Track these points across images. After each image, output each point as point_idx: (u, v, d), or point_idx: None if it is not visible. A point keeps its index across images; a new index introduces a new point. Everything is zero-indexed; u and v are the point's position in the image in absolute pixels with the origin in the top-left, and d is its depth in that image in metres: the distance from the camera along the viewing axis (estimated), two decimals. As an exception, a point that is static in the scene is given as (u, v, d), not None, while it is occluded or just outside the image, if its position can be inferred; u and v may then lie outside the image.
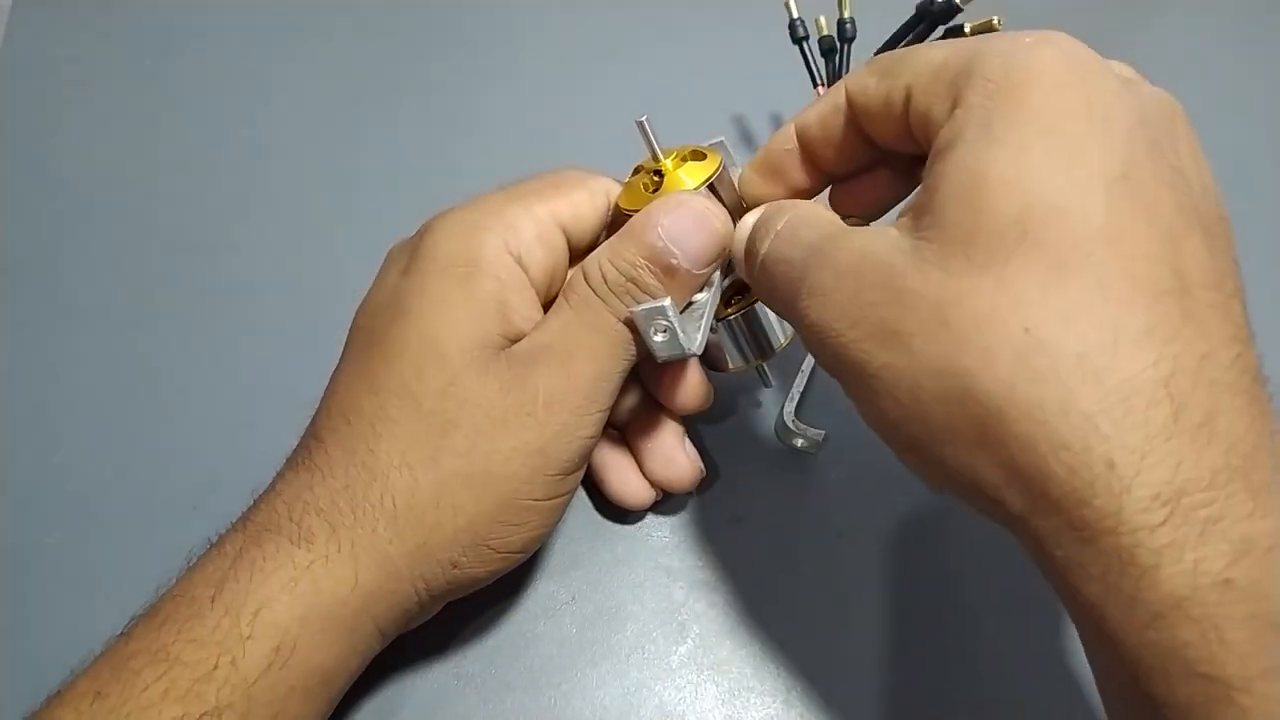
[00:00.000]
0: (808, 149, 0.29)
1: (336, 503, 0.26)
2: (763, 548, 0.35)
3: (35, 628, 0.33)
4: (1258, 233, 0.44)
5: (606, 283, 0.28)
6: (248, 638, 0.25)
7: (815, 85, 0.36)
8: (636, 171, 0.30)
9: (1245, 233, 0.45)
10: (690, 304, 0.29)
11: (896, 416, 0.22)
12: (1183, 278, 0.20)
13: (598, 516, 0.35)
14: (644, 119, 0.29)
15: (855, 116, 0.27)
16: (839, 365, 0.23)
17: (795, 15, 0.37)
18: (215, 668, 0.24)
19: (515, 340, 0.29)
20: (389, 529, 0.26)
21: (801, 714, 0.32)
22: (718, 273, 0.30)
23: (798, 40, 0.37)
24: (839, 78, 0.36)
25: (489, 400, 0.27)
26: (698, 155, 0.30)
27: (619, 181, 0.31)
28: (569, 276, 0.30)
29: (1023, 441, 0.19)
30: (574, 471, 0.29)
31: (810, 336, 0.24)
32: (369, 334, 0.29)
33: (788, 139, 0.29)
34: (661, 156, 0.29)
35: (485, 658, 0.33)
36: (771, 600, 0.34)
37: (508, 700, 0.32)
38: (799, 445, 0.36)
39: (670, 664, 0.33)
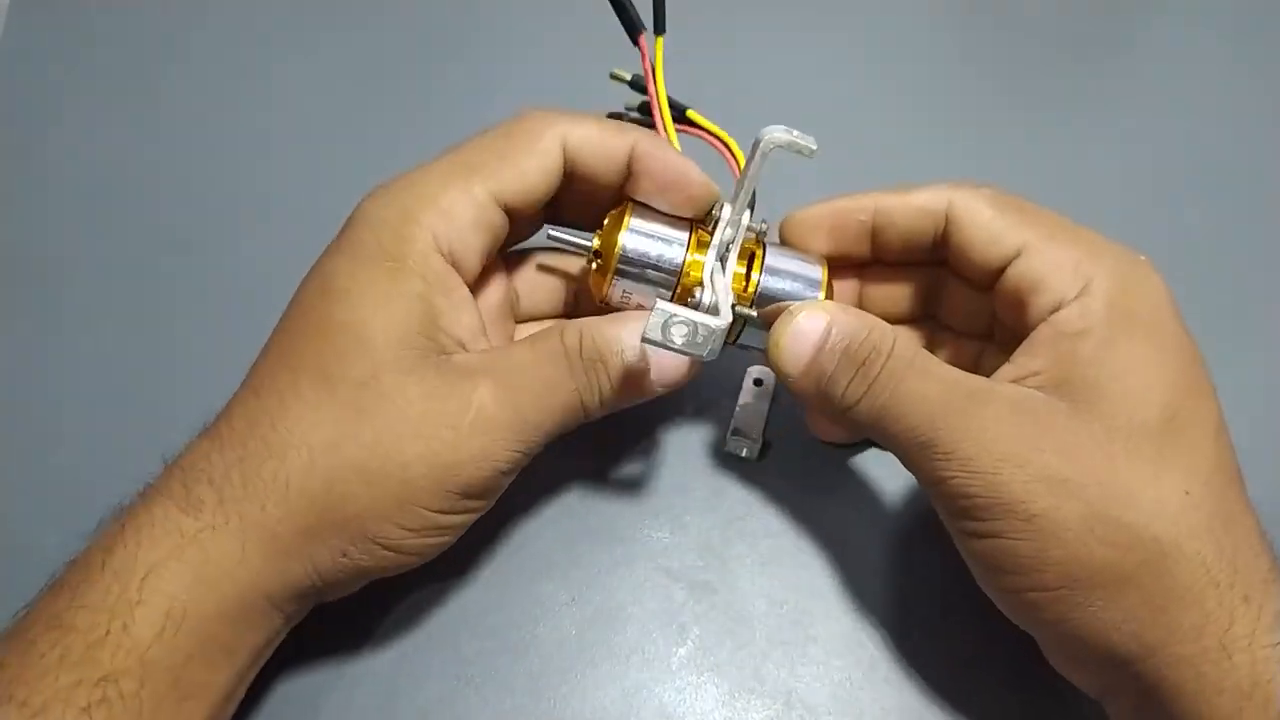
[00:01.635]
0: (879, 231, 0.32)
1: (229, 474, 0.26)
2: (762, 549, 0.35)
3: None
4: (1257, 230, 0.44)
5: (581, 351, 0.28)
6: (137, 603, 0.25)
7: (635, 33, 0.34)
8: (591, 261, 0.31)
9: (1245, 230, 0.45)
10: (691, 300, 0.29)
11: (1058, 555, 0.26)
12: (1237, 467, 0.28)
13: (598, 518, 0.35)
14: (550, 231, 0.32)
15: (951, 233, 0.30)
16: (994, 500, 0.26)
17: None
18: (107, 633, 0.24)
19: (440, 344, 0.28)
20: (279, 507, 0.26)
21: (802, 716, 0.32)
22: (717, 262, 0.30)
23: None
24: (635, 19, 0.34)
25: (407, 401, 0.27)
26: (615, 213, 0.31)
27: (582, 118, 0.30)
28: (546, 328, 0.29)
29: (1182, 579, 0.25)
30: (478, 497, 0.28)
31: (952, 467, 0.27)
32: (293, 308, 0.29)
33: (864, 209, 0.31)
34: (590, 244, 0.31)
35: (485, 659, 0.32)
36: (771, 601, 0.34)
37: (507, 702, 0.32)
38: (742, 454, 0.36)
39: (670, 665, 0.33)
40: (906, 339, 0.28)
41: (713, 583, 0.34)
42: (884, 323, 0.28)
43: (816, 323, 0.28)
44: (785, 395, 0.37)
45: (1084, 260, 0.28)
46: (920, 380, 0.27)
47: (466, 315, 0.29)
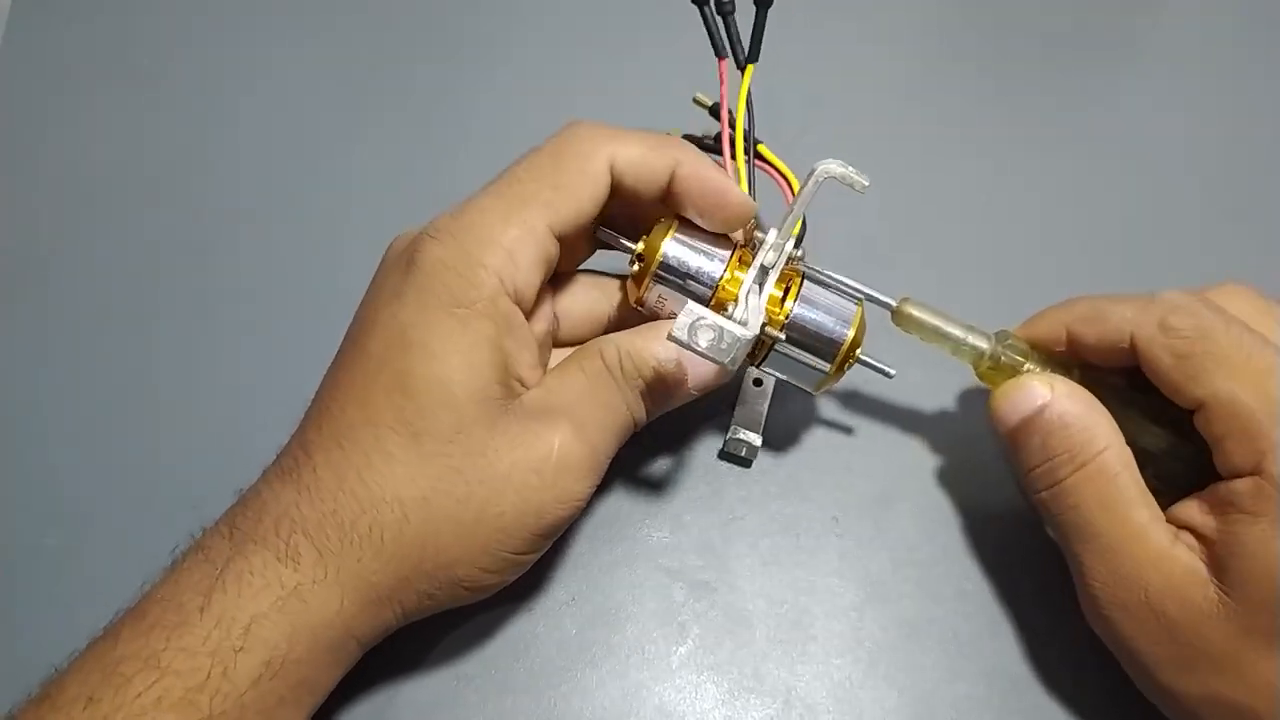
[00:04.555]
0: (1076, 349, 0.32)
1: (324, 528, 0.27)
2: (762, 549, 0.35)
3: (34, 628, 0.33)
4: (1259, 231, 0.44)
5: (622, 370, 0.29)
6: (239, 650, 0.25)
7: (718, 55, 0.34)
8: (632, 264, 0.32)
9: (1246, 231, 0.45)
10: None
11: (1172, 709, 0.29)
12: None
13: (597, 518, 0.35)
14: (599, 230, 0.32)
15: (1141, 362, 0.29)
16: (1117, 646, 0.29)
17: None
18: (208, 678, 0.25)
19: (510, 388, 0.29)
20: (375, 560, 0.27)
21: (801, 715, 0.32)
22: (754, 284, 0.30)
23: (699, 2, 0.34)
24: (739, 45, 0.34)
25: (495, 454, 0.27)
26: (664, 222, 0.31)
27: (628, 137, 0.30)
28: (585, 345, 0.30)
29: None
30: (556, 535, 0.30)
31: (1088, 605, 0.30)
32: (365, 356, 0.28)
33: (1058, 339, 0.32)
34: (634, 247, 0.31)
35: (485, 658, 0.32)
36: (771, 601, 0.34)
37: (507, 701, 0.32)
38: (742, 453, 0.36)
39: (670, 665, 0.33)
40: (1118, 454, 0.29)
41: (712, 582, 0.34)
42: (1106, 427, 0.29)
43: (1037, 394, 0.30)
44: (784, 396, 0.37)
45: (1263, 430, 0.27)
46: (1100, 510, 0.28)
47: (528, 352, 0.30)
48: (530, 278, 0.29)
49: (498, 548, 0.28)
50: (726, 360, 0.26)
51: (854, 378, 0.38)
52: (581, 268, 0.34)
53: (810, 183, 0.29)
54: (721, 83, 0.34)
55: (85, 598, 0.33)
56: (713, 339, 0.26)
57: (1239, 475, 0.27)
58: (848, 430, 0.37)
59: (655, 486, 0.36)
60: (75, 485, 0.36)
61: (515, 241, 0.28)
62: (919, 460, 0.37)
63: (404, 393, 0.27)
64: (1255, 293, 0.31)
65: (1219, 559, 0.27)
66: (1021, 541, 0.35)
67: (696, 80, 0.39)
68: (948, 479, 0.36)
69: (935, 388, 0.38)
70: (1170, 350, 0.28)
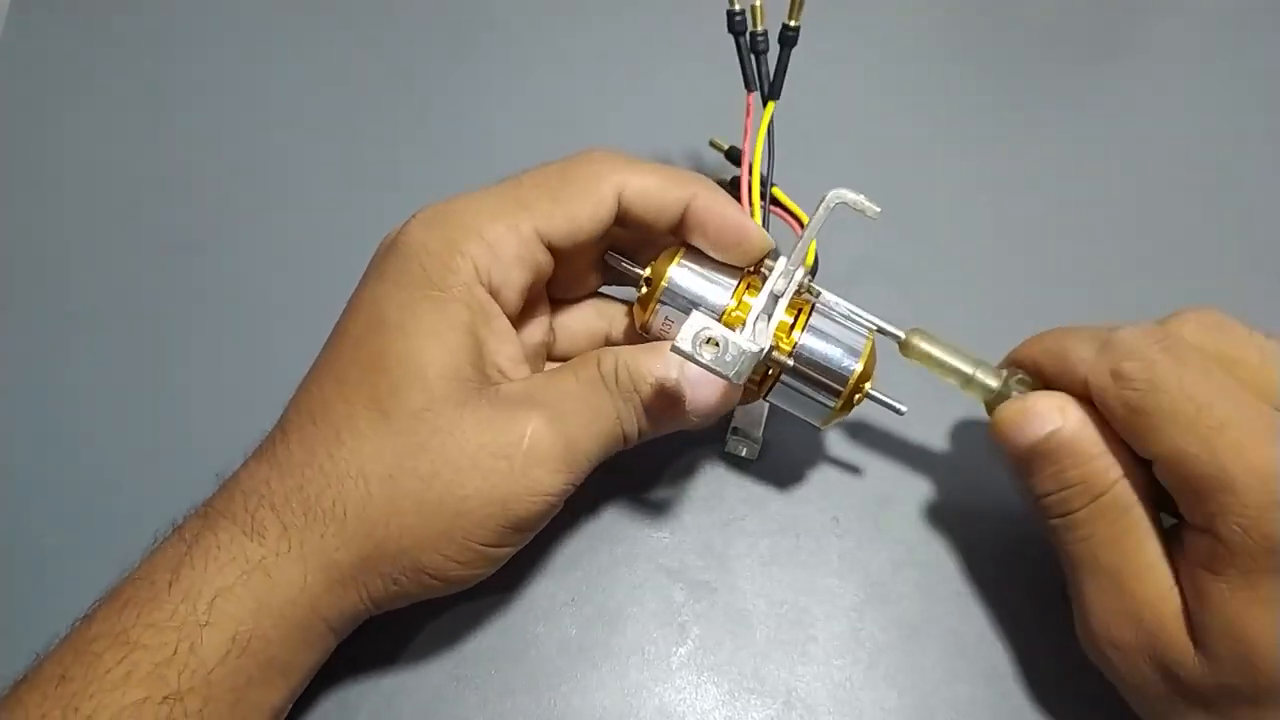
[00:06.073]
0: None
1: (290, 502, 0.27)
2: (762, 549, 0.35)
3: (34, 629, 0.33)
4: (1258, 231, 0.44)
5: (617, 381, 0.28)
6: (205, 625, 0.25)
7: (748, 89, 0.35)
8: (640, 288, 0.31)
9: (1245, 231, 0.45)
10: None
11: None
12: None
13: (598, 518, 0.35)
14: (607, 254, 0.31)
15: (1098, 408, 0.28)
16: (1113, 678, 0.29)
17: (736, 8, 0.34)
18: (175, 653, 0.25)
19: (487, 375, 0.29)
20: (337, 536, 0.27)
21: (802, 715, 0.32)
22: (779, 277, 0.30)
23: (736, 32, 0.35)
24: (768, 81, 0.35)
25: (463, 435, 0.27)
26: (672, 249, 0.31)
27: (644, 168, 0.30)
28: (584, 355, 0.30)
29: None
30: (527, 530, 0.29)
31: (1086, 636, 0.29)
32: (343, 335, 0.29)
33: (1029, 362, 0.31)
34: (642, 271, 0.31)
35: (485, 659, 0.32)
36: (771, 601, 0.34)
37: (507, 701, 0.32)
38: (742, 453, 0.36)
39: (670, 665, 0.33)
40: (1132, 485, 0.28)
41: (713, 583, 0.34)
42: (1120, 455, 0.28)
43: (1048, 420, 0.29)
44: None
45: (1210, 491, 0.25)
46: (1109, 544, 0.28)
47: (509, 345, 0.30)
48: (510, 275, 0.29)
49: (462, 535, 0.27)
50: (731, 374, 0.26)
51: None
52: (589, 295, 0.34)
53: (821, 210, 0.29)
54: (748, 115, 0.34)
55: (85, 598, 0.33)
56: (718, 351, 0.26)
57: (1198, 530, 0.26)
58: (848, 431, 0.37)
59: (655, 486, 0.36)
60: (75, 485, 0.36)
61: (499, 236, 0.29)
62: (919, 461, 0.37)
63: (377, 370, 0.28)
64: (1216, 316, 0.29)
65: (1189, 610, 0.27)
66: (1021, 542, 0.35)
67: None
68: (948, 479, 0.36)
69: (935, 389, 0.38)
70: (1122, 402, 0.27)
